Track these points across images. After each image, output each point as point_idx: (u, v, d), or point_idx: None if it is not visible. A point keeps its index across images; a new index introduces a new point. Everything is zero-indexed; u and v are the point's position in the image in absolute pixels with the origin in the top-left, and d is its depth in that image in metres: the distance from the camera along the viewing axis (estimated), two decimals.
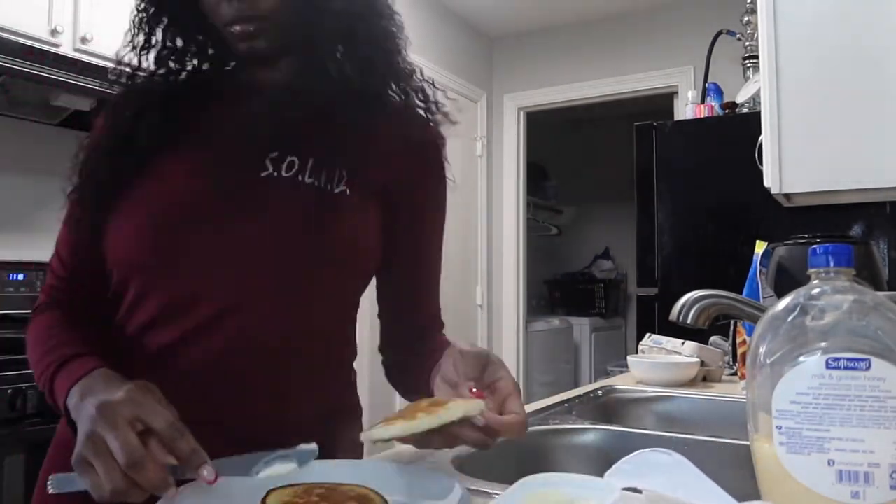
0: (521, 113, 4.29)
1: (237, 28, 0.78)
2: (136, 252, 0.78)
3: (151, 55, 0.86)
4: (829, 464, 0.52)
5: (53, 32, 2.08)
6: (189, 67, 0.88)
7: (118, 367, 0.73)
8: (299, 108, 0.82)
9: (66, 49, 2.10)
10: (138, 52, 0.85)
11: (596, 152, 5.69)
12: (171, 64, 0.86)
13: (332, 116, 0.82)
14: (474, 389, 0.69)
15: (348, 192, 0.81)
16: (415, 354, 0.90)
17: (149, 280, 0.78)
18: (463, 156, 4.00)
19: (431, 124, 0.91)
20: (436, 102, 0.90)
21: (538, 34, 4.21)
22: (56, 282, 0.87)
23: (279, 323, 0.79)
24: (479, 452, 0.97)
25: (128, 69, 0.86)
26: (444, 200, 0.93)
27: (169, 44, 0.86)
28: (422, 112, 0.89)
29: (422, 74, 0.90)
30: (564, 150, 5.84)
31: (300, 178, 0.80)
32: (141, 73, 0.86)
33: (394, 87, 0.87)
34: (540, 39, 4.21)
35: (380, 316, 0.96)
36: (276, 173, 0.79)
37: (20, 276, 2.23)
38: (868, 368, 0.52)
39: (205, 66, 0.88)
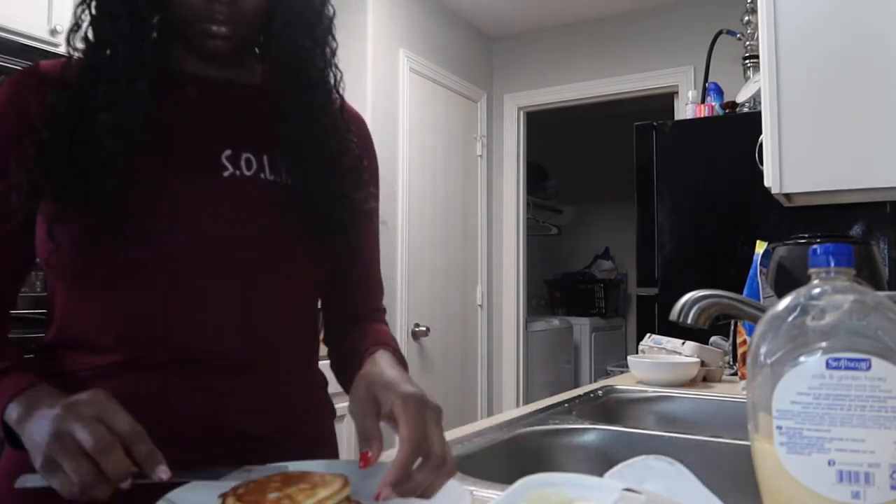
0: (521, 113, 4.28)
1: (212, 27, 0.75)
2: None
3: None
4: (829, 464, 0.52)
5: (53, 32, 2.08)
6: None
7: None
8: (259, 104, 0.83)
9: (65, 49, 2.10)
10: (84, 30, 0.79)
11: (596, 152, 5.69)
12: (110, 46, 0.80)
13: (290, 114, 0.82)
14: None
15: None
16: (352, 341, 0.88)
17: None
18: (463, 156, 4.00)
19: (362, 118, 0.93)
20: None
21: (538, 34, 4.20)
22: None
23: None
24: (478, 452, 0.97)
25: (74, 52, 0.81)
26: (378, 187, 0.92)
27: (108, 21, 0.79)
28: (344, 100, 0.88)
29: (338, 70, 0.86)
30: (564, 150, 5.83)
31: (262, 175, 0.80)
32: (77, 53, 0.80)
33: (332, 80, 0.86)
34: (540, 39, 4.21)
35: (323, 308, 0.95)
36: (236, 172, 0.79)
37: None
38: (868, 368, 0.52)
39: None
